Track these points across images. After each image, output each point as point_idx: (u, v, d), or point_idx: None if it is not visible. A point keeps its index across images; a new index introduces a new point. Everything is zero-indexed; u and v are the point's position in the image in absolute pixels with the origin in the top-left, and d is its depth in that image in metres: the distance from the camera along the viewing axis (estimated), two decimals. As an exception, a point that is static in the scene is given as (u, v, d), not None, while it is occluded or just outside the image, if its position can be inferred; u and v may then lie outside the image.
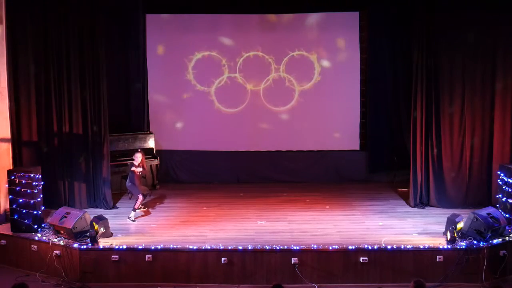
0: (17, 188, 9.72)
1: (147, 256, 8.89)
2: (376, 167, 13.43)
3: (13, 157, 10.65)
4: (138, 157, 10.59)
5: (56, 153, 10.94)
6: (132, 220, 10.46)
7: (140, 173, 10.64)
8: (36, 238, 9.49)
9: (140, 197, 10.65)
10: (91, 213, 9.90)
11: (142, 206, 11.10)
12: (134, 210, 10.60)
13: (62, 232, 9.40)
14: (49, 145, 10.94)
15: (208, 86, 13.52)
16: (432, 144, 11.02)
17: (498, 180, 10.21)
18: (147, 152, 12.73)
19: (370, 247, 8.89)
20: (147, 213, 11.01)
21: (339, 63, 13.42)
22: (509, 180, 9.80)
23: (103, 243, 9.16)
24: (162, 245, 9.01)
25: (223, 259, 8.85)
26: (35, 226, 9.73)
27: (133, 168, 10.60)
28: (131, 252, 8.96)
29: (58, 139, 10.95)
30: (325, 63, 13.41)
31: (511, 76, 10.69)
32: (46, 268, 9.21)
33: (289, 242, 9.17)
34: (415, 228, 9.91)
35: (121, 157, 12.39)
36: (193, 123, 13.64)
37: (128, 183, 10.75)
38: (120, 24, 13.00)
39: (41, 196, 9.97)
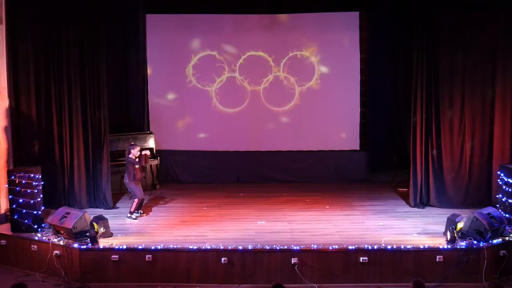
0: (17, 188, 9.72)
1: (147, 256, 8.89)
2: (376, 167, 13.43)
3: (13, 157, 10.65)
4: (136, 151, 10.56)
5: (56, 153, 10.94)
6: (133, 219, 10.47)
7: (138, 166, 10.55)
8: (36, 238, 9.49)
9: (136, 200, 10.60)
10: (91, 213, 9.91)
11: (141, 211, 10.96)
12: (131, 213, 10.56)
13: (62, 232, 9.40)
14: (49, 145, 10.94)
15: (208, 86, 13.52)
16: (432, 144, 11.01)
17: (498, 180, 10.21)
18: (147, 152, 12.75)
19: (370, 247, 8.89)
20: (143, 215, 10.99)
21: (339, 63, 13.40)
22: (509, 180, 9.80)
23: (103, 243, 9.16)
24: (162, 245, 9.01)
25: (223, 259, 8.85)
26: (35, 226, 9.73)
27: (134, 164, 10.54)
28: (131, 252, 8.96)
29: (58, 139, 10.94)
30: (325, 63, 13.40)
31: (511, 76, 10.69)
32: (46, 268, 9.21)
33: (289, 242, 9.17)
34: (415, 228, 9.91)
35: (121, 157, 12.34)
36: (193, 123, 13.64)
37: (125, 180, 10.66)
38: (120, 24, 12.98)
39: (41, 196, 9.97)
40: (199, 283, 8.86)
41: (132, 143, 11.03)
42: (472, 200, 10.97)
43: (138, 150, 10.61)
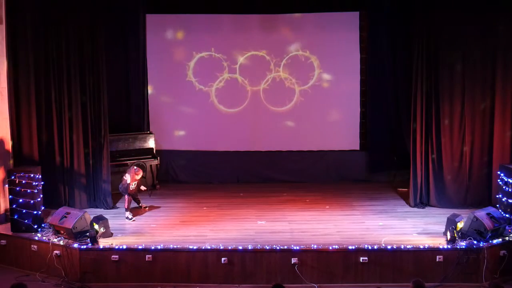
0: (17, 188, 9.72)
1: (147, 256, 8.90)
2: (376, 167, 13.42)
3: (13, 157, 10.65)
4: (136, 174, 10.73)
5: (56, 153, 10.94)
6: (129, 219, 10.49)
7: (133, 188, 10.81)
8: (36, 238, 9.49)
9: (127, 197, 10.67)
10: (91, 213, 9.91)
11: (143, 205, 11.17)
12: (126, 210, 10.65)
13: (62, 232, 9.40)
14: (49, 145, 10.94)
15: (208, 86, 13.51)
16: (432, 144, 11.01)
17: (498, 180, 10.21)
18: (147, 152, 12.74)
19: (370, 247, 8.90)
20: (142, 212, 11.04)
21: (339, 63, 13.39)
22: (509, 180, 9.80)
23: (103, 243, 9.17)
24: (162, 245, 9.01)
25: (223, 259, 8.86)
26: (35, 226, 9.73)
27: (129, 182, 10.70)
28: (131, 252, 8.97)
29: (58, 139, 10.94)
30: (325, 63, 13.39)
31: (511, 76, 10.69)
32: (46, 268, 9.22)
33: (289, 242, 9.17)
34: (415, 228, 9.92)
35: (121, 157, 12.39)
36: (193, 123, 13.63)
37: (120, 186, 10.84)
38: (120, 24, 12.98)
39: (41, 196, 9.97)
40: (199, 283, 8.86)
41: (135, 167, 11.03)
42: (472, 200, 10.97)
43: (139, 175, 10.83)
